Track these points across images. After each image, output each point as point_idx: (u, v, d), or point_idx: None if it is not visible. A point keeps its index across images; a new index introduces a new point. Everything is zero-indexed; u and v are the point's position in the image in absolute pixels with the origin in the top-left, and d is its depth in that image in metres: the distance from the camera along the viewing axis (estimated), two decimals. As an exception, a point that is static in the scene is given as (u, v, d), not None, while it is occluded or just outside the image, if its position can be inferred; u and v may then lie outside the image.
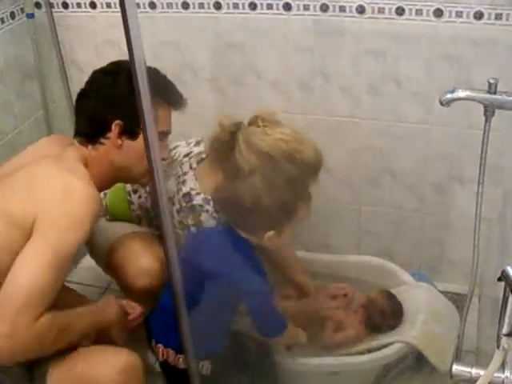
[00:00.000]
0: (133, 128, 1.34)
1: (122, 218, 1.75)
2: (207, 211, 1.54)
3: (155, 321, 1.50)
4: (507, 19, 1.58)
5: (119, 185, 1.73)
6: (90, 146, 1.40)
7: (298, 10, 1.74)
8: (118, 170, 1.41)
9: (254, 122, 1.51)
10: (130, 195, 1.74)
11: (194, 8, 1.83)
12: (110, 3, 1.91)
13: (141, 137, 1.26)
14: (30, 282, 1.16)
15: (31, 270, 1.17)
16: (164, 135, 1.45)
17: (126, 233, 1.69)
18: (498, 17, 1.58)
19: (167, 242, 0.90)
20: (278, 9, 1.76)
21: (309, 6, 1.73)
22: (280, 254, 1.85)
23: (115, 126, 1.35)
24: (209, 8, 1.82)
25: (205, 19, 1.83)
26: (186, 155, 1.65)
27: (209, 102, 1.96)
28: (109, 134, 1.37)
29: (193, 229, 1.55)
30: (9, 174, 1.35)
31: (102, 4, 1.92)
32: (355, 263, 1.98)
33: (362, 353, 1.65)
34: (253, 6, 1.78)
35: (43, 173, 1.29)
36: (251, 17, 1.79)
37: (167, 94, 1.43)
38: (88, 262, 2.13)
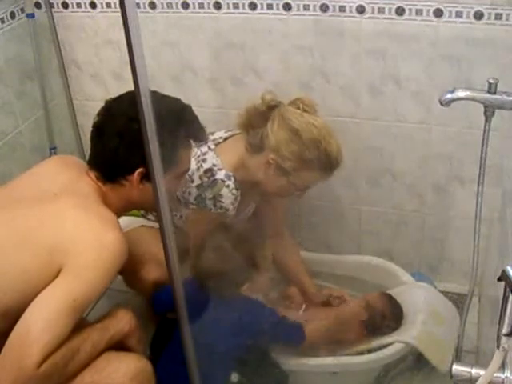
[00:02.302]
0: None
1: (128, 213, 1.75)
2: (228, 186, 1.57)
3: (162, 371, 1.44)
4: (507, 19, 1.58)
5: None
6: (107, 184, 1.38)
7: (298, 10, 1.74)
8: (135, 205, 1.44)
9: (294, 103, 1.60)
10: None
11: (194, 8, 1.83)
12: (109, 3, 1.91)
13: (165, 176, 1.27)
14: (42, 327, 1.14)
15: (46, 317, 1.15)
16: (185, 173, 1.47)
17: (134, 227, 1.70)
18: (498, 17, 1.58)
19: (167, 241, 0.90)
20: (278, 9, 1.76)
21: (309, 6, 1.73)
22: (284, 254, 1.86)
23: (138, 174, 1.34)
24: (209, 8, 1.82)
25: (205, 19, 1.83)
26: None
27: (209, 102, 1.96)
28: (129, 177, 1.35)
29: (209, 203, 1.57)
30: (26, 196, 1.32)
31: (101, 4, 1.92)
32: (355, 263, 1.98)
33: (361, 353, 1.65)
34: (253, 6, 1.78)
35: (72, 218, 1.26)
36: (251, 17, 1.79)
37: (193, 132, 1.43)
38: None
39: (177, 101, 1.40)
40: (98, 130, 1.38)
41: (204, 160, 1.60)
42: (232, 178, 1.58)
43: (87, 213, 1.28)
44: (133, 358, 1.28)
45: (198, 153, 1.62)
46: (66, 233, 1.23)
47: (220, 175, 1.57)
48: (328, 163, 1.57)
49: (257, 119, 1.59)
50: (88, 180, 1.38)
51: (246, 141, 1.62)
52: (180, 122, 1.37)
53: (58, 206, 1.29)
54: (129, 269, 1.61)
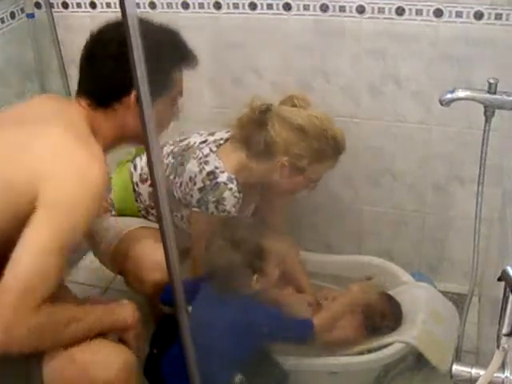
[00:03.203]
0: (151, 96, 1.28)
1: (128, 213, 1.75)
2: (230, 189, 1.57)
3: (166, 370, 1.47)
4: (507, 19, 1.58)
5: (125, 180, 1.74)
6: (100, 110, 1.32)
7: (298, 10, 1.74)
8: (129, 133, 1.35)
9: (288, 101, 1.62)
10: (137, 186, 1.73)
11: (194, 8, 1.83)
12: (109, 3, 1.91)
13: (159, 101, 1.25)
14: (30, 269, 1.12)
15: (33, 256, 1.12)
16: (178, 96, 1.42)
17: (136, 227, 1.70)
18: (498, 17, 1.58)
19: (167, 241, 0.90)
20: (278, 9, 1.76)
21: (309, 6, 1.73)
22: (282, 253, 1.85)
23: (135, 96, 1.26)
24: (209, 8, 1.82)
25: (205, 19, 1.83)
26: (203, 142, 1.67)
27: (209, 102, 1.96)
28: (125, 99, 1.30)
29: (211, 206, 1.57)
30: (15, 121, 1.27)
31: (101, 4, 1.92)
32: (356, 263, 1.98)
33: (361, 353, 1.65)
34: (253, 6, 1.78)
35: (59, 145, 1.21)
36: (251, 17, 1.79)
37: (180, 54, 1.39)
38: (88, 261, 2.14)
39: (164, 26, 1.36)
40: (89, 58, 1.34)
41: (206, 162, 1.60)
42: (234, 181, 1.57)
43: (75, 142, 1.22)
44: (122, 348, 1.28)
45: (200, 155, 1.62)
46: (51, 160, 1.19)
47: (222, 178, 1.57)
48: (337, 148, 1.61)
49: (252, 127, 1.59)
50: (79, 108, 1.33)
51: (246, 149, 1.61)
52: (169, 45, 1.34)
53: (46, 131, 1.24)
54: (129, 269, 1.61)
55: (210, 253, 1.48)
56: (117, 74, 1.28)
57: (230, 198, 1.56)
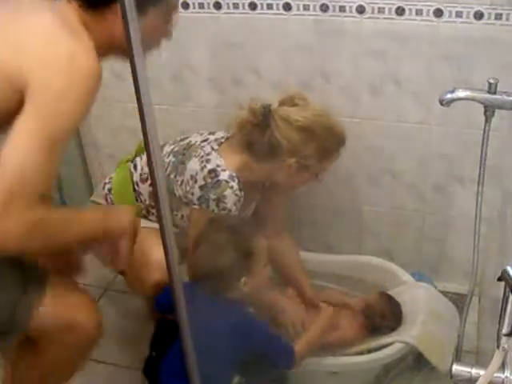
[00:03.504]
0: (142, 4, 1.17)
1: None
2: (232, 187, 1.56)
3: (164, 370, 1.48)
4: (507, 19, 1.58)
5: (125, 180, 1.74)
6: (90, 13, 1.25)
7: (298, 10, 1.74)
8: (116, 43, 1.26)
9: (287, 101, 1.60)
10: (137, 185, 1.73)
11: (194, 8, 1.83)
12: (110, 3, 1.91)
13: (149, 13, 1.22)
14: (19, 167, 1.08)
15: (21, 153, 1.08)
16: (173, 12, 1.36)
17: None
18: (498, 17, 1.58)
19: (167, 241, 0.90)
20: (278, 9, 1.76)
21: (309, 6, 1.73)
22: (281, 252, 1.85)
23: None
24: (209, 8, 1.82)
25: (205, 19, 1.83)
26: (204, 141, 1.67)
27: (209, 102, 1.96)
28: (112, 5, 1.23)
29: (212, 204, 1.57)
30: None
31: (102, 4, 1.92)
32: (355, 263, 1.98)
33: (361, 353, 1.65)
34: (253, 6, 1.78)
35: (47, 30, 1.15)
36: (251, 17, 1.79)
37: None
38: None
39: None
40: None
41: (208, 160, 1.60)
42: (236, 179, 1.57)
43: (69, 33, 1.16)
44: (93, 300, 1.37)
45: (202, 153, 1.62)
46: (42, 50, 1.13)
47: (224, 176, 1.57)
48: (340, 142, 1.63)
49: (254, 129, 1.58)
50: (71, 7, 1.26)
51: (248, 150, 1.61)
52: None
53: (42, 17, 1.19)
54: (130, 269, 1.61)
55: (198, 254, 1.48)
56: None
57: (231, 196, 1.56)
